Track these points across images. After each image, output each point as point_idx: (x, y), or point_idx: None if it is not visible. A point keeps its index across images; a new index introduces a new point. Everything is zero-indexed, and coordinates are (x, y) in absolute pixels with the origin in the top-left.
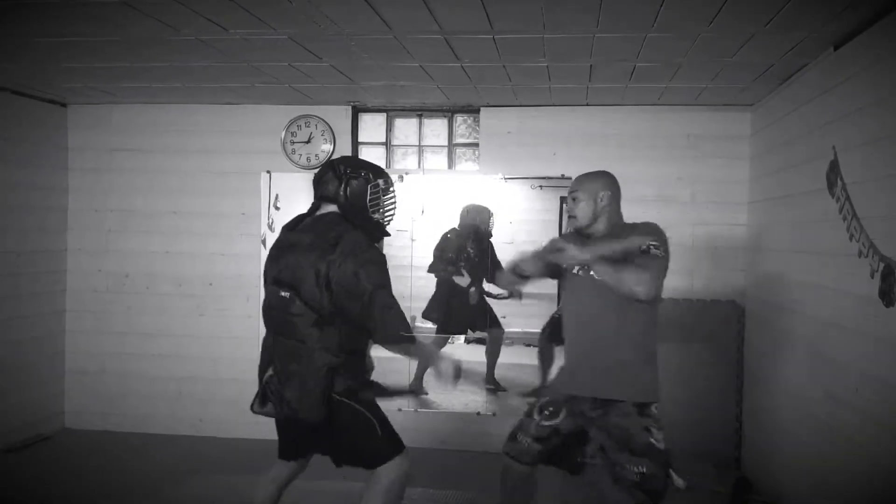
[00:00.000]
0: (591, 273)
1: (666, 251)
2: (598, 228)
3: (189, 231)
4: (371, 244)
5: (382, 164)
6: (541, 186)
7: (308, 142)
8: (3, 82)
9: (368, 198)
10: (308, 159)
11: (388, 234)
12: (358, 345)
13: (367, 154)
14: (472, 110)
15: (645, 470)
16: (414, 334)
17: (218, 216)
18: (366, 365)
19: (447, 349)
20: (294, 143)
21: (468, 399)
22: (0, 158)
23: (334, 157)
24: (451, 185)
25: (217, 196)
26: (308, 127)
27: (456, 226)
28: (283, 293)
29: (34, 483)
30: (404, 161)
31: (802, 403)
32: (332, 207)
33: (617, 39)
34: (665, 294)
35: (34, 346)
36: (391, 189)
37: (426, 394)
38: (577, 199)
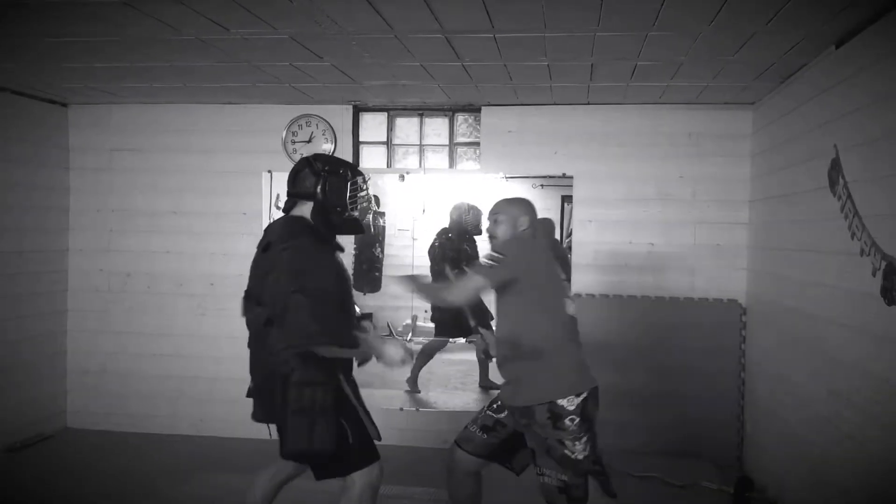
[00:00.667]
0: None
1: (498, 260)
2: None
3: (190, 231)
4: (312, 251)
5: (383, 164)
6: (542, 185)
7: (309, 141)
8: (4, 82)
9: (347, 194)
10: None
11: (363, 232)
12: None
13: (368, 153)
14: (473, 109)
15: (566, 479)
16: (323, 339)
17: (219, 216)
18: (332, 366)
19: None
20: (295, 142)
21: (468, 399)
22: (1, 158)
23: (335, 156)
24: (452, 185)
25: (218, 196)
26: (309, 126)
27: (446, 226)
28: (257, 308)
29: (36, 482)
30: (405, 160)
31: (804, 402)
32: (308, 205)
33: (618, 38)
34: (667, 293)
35: (36, 345)
36: (366, 186)
37: (419, 392)
38: (498, 221)
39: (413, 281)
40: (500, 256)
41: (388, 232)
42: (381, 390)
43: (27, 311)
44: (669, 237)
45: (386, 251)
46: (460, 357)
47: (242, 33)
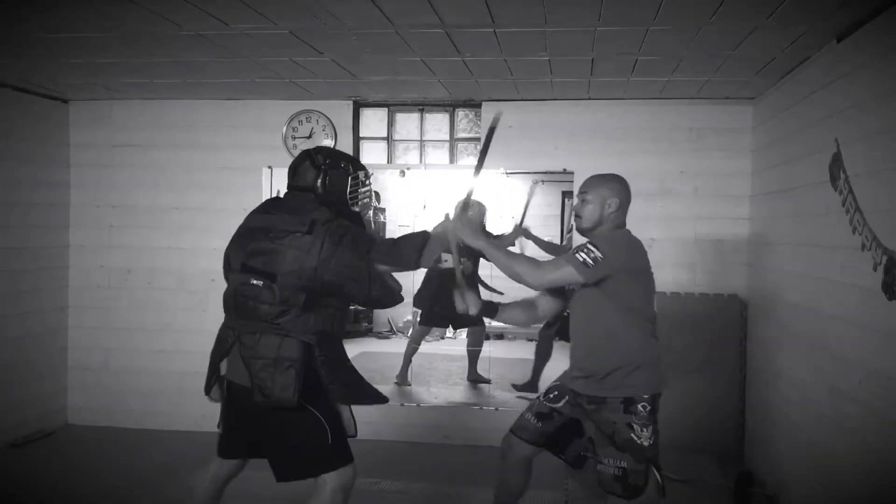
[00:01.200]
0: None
1: (595, 259)
2: (600, 232)
3: (191, 227)
4: (337, 218)
5: (384, 160)
6: (543, 181)
7: (309, 137)
8: (5, 79)
9: (349, 189)
10: None
11: (364, 227)
12: (330, 327)
13: (368, 149)
14: (474, 105)
15: (625, 465)
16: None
17: (219, 212)
18: (340, 346)
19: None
20: (295, 138)
21: (469, 394)
22: (1, 155)
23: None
24: (453, 180)
25: (219, 191)
26: (309, 122)
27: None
28: (255, 282)
29: (37, 478)
30: (406, 156)
31: (805, 397)
32: (308, 197)
33: (618, 33)
34: (668, 288)
35: (37, 342)
36: (368, 181)
37: (409, 385)
38: (585, 200)
39: (486, 239)
40: (599, 255)
41: (388, 227)
42: (381, 386)
43: (28, 308)
44: (670, 232)
45: None
46: (461, 352)
47: (242, 28)
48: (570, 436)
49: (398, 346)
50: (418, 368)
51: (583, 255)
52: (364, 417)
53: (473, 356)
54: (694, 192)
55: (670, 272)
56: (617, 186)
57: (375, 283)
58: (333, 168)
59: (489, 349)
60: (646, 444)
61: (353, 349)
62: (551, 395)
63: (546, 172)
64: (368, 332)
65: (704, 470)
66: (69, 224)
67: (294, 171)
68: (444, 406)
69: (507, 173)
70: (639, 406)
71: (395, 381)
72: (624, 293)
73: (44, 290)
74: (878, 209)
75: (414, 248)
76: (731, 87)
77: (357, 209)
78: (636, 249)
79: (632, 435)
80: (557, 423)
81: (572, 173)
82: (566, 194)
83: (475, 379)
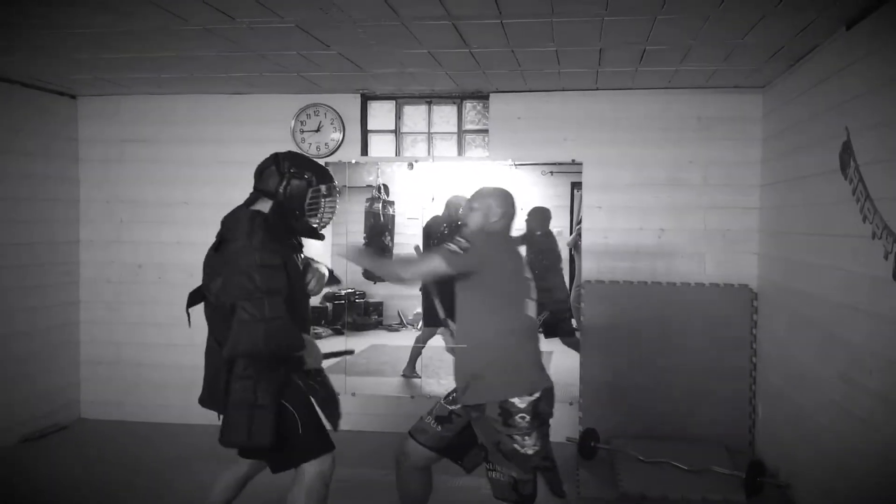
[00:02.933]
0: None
1: (462, 248)
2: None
3: (200, 221)
4: (258, 249)
5: (392, 152)
6: (551, 172)
7: (318, 130)
8: (13, 75)
9: (307, 201)
10: (318, 148)
11: (321, 238)
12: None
13: (376, 142)
14: (482, 96)
15: (515, 475)
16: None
17: (228, 206)
18: (275, 361)
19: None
20: (304, 131)
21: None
22: (11, 151)
23: (344, 145)
24: (461, 172)
25: (227, 185)
26: (317, 115)
27: (439, 214)
28: (199, 287)
29: (51, 472)
30: (414, 148)
31: (816, 386)
32: (267, 203)
33: (626, 22)
34: (677, 278)
35: (49, 336)
36: (334, 194)
37: (419, 377)
38: (472, 208)
39: (360, 254)
40: (466, 244)
41: (397, 220)
42: (392, 378)
43: (39, 303)
44: (680, 222)
45: (396, 240)
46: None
47: (248, 22)
48: (468, 442)
49: (408, 338)
50: (428, 360)
51: (452, 245)
52: (374, 410)
53: (416, 350)
54: (703, 181)
55: (680, 262)
56: (502, 200)
57: (234, 321)
58: (296, 177)
59: None
60: (530, 452)
61: (363, 342)
62: (450, 397)
63: (555, 163)
64: (378, 325)
65: (715, 459)
66: (79, 219)
67: (260, 174)
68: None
69: (515, 165)
70: (516, 417)
71: (402, 373)
72: (488, 292)
73: (55, 286)
74: (888, 197)
75: (247, 349)
76: (741, 76)
77: (315, 223)
78: (507, 249)
79: (514, 446)
80: (456, 428)
81: (581, 164)
82: (575, 185)
83: (409, 375)
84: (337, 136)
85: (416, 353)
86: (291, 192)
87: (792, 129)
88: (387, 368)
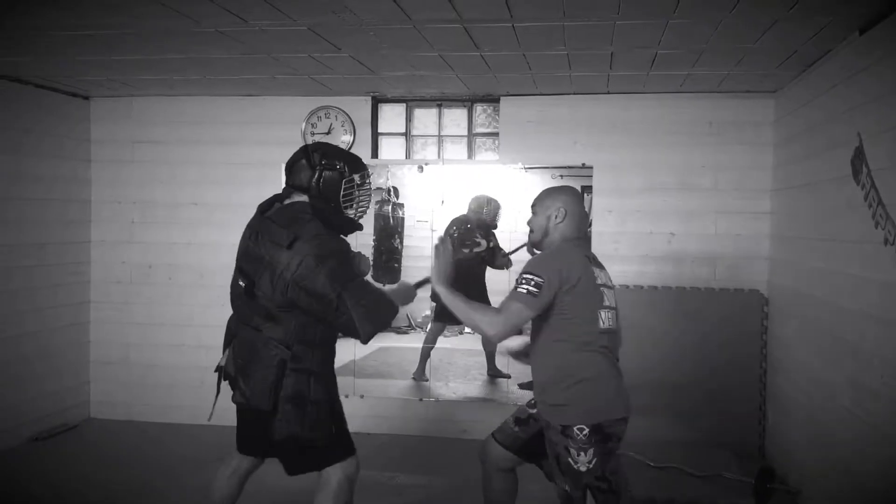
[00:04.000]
0: None
1: (537, 285)
2: (549, 243)
3: (210, 222)
4: (332, 237)
5: (402, 155)
6: (561, 176)
7: (328, 133)
8: (26, 76)
9: (342, 192)
10: None
11: (361, 229)
12: (313, 336)
13: (387, 144)
14: (492, 99)
15: (567, 488)
16: (391, 312)
17: (239, 207)
18: (325, 356)
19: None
20: (314, 134)
21: (486, 389)
22: (24, 151)
23: (354, 148)
24: (471, 175)
25: (238, 187)
26: (328, 118)
27: (462, 215)
28: (241, 281)
29: (60, 472)
30: (424, 151)
31: (827, 392)
32: (303, 198)
33: (638, 26)
34: (688, 283)
35: (59, 336)
36: (367, 183)
37: (427, 380)
38: (534, 213)
39: (451, 293)
40: (539, 280)
41: (406, 223)
42: (399, 381)
43: (50, 303)
44: (690, 227)
45: (405, 242)
46: (479, 347)
47: (261, 25)
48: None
49: (416, 341)
50: (437, 363)
51: (524, 286)
52: (382, 412)
53: (490, 350)
54: (714, 186)
55: (690, 267)
56: (565, 198)
57: (342, 316)
58: (328, 169)
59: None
60: (582, 469)
61: (371, 344)
62: (532, 401)
63: (565, 167)
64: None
65: (724, 465)
66: (90, 220)
67: (290, 168)
68: (461, 401)
69: (525, 168)
70: (574, 429)
71: (413, 376)
72: (558, 308)
73: (65, 286)
74: None
75: (381, 321)
76: (752, 81)
77: (351, 214)
78: (572, 263)
79: (569, 459)
80: (532, 431)
81: (591, 168)
82: (585, 189)
83: (494, 374)
84: (347, 138)
85: (425, 354)
86: (325, 185)
87: (804, 134)
88: (395, 371)
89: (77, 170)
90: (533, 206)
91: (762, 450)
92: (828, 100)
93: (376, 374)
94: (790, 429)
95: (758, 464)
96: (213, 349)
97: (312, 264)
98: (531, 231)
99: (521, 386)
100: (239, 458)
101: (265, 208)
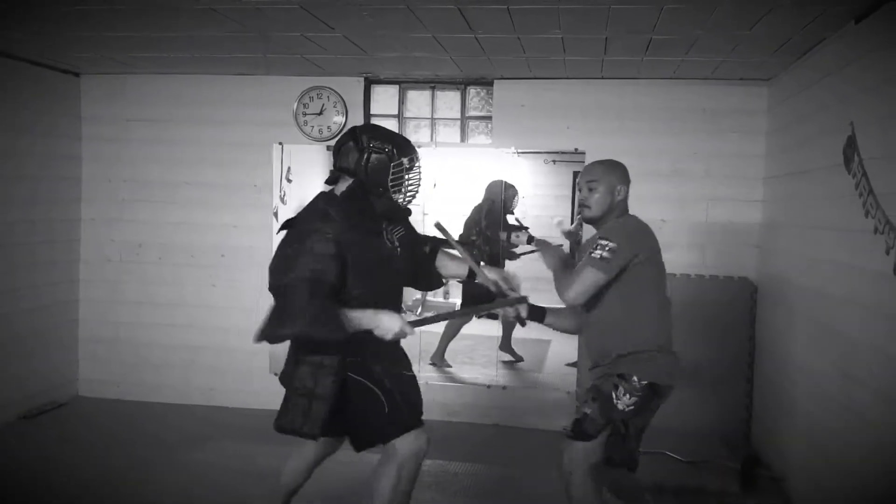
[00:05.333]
0: None
1: (611, 251)
2: (605, 221)
3: (202, 202)
4: (304, 237)
5: None
6: (554, 161)
7: (320, 113)
8: (17, 51)
9: (390, 176)
10: (320, 131)
11: (410, 213)
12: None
13: None
14: (486, 83)
15: (589, 412)
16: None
17: (230, 188)
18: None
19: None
20: (306, 114)
21: (475, 372)
22: (14, 128)
23: (346, 129)
24: (464, 159)
25: (230, 167)
26: (320, 98)
27: (482, 200)
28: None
29: (48, 449)
30: (416, 134)
31: (814, 380)
32: (349, 181)
33: (633, 11)
34: (678, 270)
35: (48, 314)
36: (416, 166)
37: (450, 366)
38: (593, 189)
39: (556, 257)
40: (612, 245)
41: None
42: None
43: (39, 281)
44: (682, 214)
45: None
46: (469, 331)
47: (254, 3)
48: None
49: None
50: (429, 348)
51: (598, 251)
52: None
53: (507, 332)
54: (706, 173)
55: (680, 254)
56: (622, 173)
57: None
58: (377, 151)
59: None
60: (620, 406)
61: None
62: (624, 389)
63: (557, 152)
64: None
65: (711, 451)
66: (81, 197)
67: (338, 150)
68: (452, 384)
69: (518, 153)
70: (633, 377)
71: (431, 361)
72: (634, 280)
73: (55, 264)
74: (891, 192)
75: (277, 328)
76: (746, 68)
77: (400, 198)
78: (646, 234)
79: (613, 394)
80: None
81: (584, 153)
82: (577, 174)
83: (506, 350)
84: (340, 119)
85: (447, 337)
86: (372, 168)
87: (796, 122)
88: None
89: (68, 147)
90: (591, 181)
91: (748, 437)
92: (821, 88)
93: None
94: (777, 416)
95: (744, 450)
96: (203, 329)
97: (277, 251)
98: (587, 207)
99: (570, 364)
100: (311, 443)
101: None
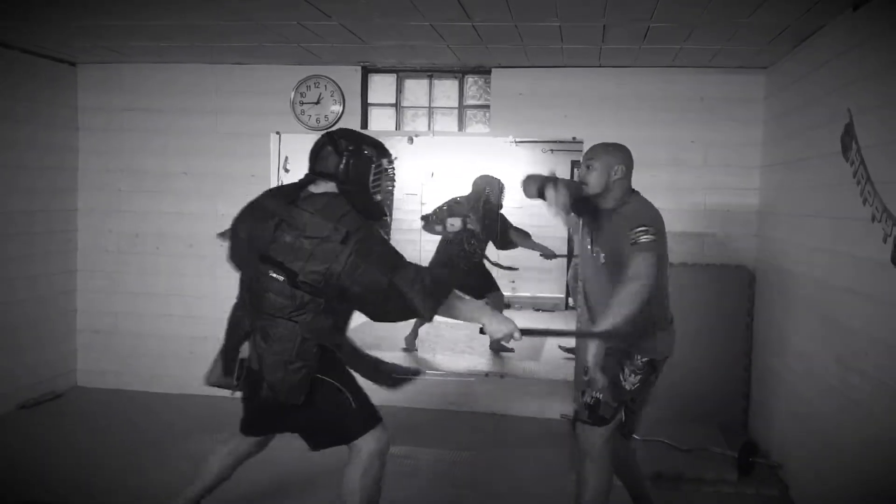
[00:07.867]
0: (601, 256)
1: (656, 232)
2: (606, 199)
3: (199, 192)
4: (371, 226)
5: (392, 126)
6: (552, 150)
7: (317, 102)
8: (12, 41)
9: (371, 178)
10: (317, 120)
11: (387, 214)
12: (343, 324)
13: (377, 115)
14: (484, 71)
15: (601, 396)
16: (450, 290)
17: (228, 177)
18: (342, 337)
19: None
20: (303, 103)
21: (473, 361)
22: (10, 118)
23: (344, 118)
24: (462, 148)
25: (227, 157)
26: (317, 87)
27: (467, 193)
28: (274, 275)
29: (46, 440)
30: (414, 123)
31: (811, 368)
32: (329, 185)
33: None
34: (676, 258)
35: (46, 305)
36: (392, 168)
37: (415, 350)
38: (591, 167)
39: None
40: (648, 225)
41: (396, 196)
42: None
43: (37, 271)
44: (679, 202)
45: (394, 215)
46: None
47: None
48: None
49: None
50: (424, 336)
51: (647, 236)
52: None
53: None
54: (704, 161)
55: (678, 242)
56: (622, 154)
57: (391, 302)
58: (356, 155)
59: None
60: (627, 387)
61: (356, 317)
62: (632, 367)
63: (555, 141)
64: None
65: (708, 439)
66: (77, 187)
67: (315, 156)
68: (448, 374)
69: (516, 141)
70: (637, 356)
71: (404, 346)
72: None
73: (52, 254)
74: (889, 180)
75: (435, 299)
76: (744, 56)
77: (379, 198)
78: (659, 213)
79: (619, 374)
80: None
81: (581, 142)
82: (575, 163)
83: (498, 348)
84: (337, 108)
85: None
86: (355, 171)
87: (794, 110)
88: (383, 343)
89: (64, 137)
90: (589, 160)
91: (746, 424)
92: (819, 77)
93: (364, 346)
94: (774, 404)
95: (742, 438)
96: (201, 319)
97: (363, 259)
98: (585, 185)
99: (563, 348)
100: (239, 439)
101: (290, 198)
